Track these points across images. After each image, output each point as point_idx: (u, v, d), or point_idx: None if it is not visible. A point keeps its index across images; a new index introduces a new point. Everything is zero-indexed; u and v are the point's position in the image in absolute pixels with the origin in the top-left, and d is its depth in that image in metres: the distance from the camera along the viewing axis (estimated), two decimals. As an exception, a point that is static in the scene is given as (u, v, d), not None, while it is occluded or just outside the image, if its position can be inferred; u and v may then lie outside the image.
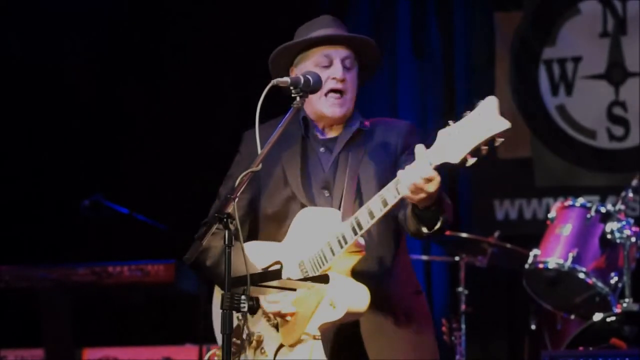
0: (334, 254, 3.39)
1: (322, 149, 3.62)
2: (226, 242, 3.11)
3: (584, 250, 5.66)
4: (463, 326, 6.08)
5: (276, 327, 3.50)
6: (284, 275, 3.42)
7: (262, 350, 3.50)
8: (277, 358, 3.47)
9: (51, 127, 7.27)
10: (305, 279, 3.36)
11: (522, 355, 6.53)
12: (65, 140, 7.27)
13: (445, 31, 7.28)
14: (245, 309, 3.11)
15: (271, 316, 3.49)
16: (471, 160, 3.08)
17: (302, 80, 3.41)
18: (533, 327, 6.22)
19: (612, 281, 5.65)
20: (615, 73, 7.12)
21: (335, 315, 3.36)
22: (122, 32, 7.31)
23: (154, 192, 7.08)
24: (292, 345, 3.44)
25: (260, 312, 3.52)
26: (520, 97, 7.26)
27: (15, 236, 7.02)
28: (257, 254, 3.50)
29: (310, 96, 3.46)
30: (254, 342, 3.51)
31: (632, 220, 5.69)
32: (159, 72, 7.30)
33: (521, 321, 6.44)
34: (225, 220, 3.11)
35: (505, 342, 7.00)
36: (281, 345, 3.47)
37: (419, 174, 3.15)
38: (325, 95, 3.53)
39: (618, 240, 5.60)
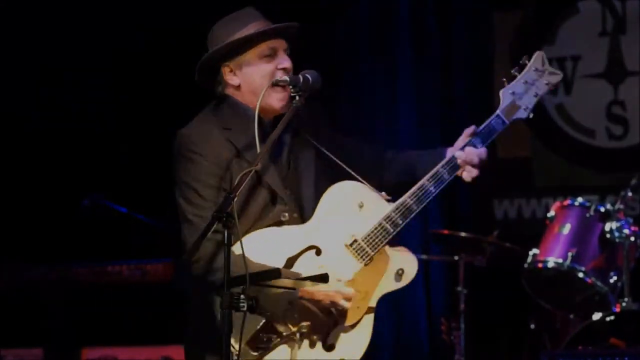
0: (397, 227, 3.42)
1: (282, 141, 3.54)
2: (226, 242, 3.11)
3: (583, 250, 5.67)
4: (462, 325, 6.08)
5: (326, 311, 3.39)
6: (328, 258, 3.38)
7: (313, 338, 3.38)
8: (330, 340, 3.38)
9: (51, 126, 7.27)
10: (304, 278, 3.33)
11: (521, 354, 6.53)
12: (64, 140, 7.27)
13: (445, 31, 7.28)
14: (245, 309, 3.11)
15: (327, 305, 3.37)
16: (531, 114, 3.53)
17: (302, 80, 3.40)
18: (532, 326, 6.22)
19: (611, 280, 5.66)
20: (615, 72, 7.13)
21: (401, 283, 3.47)
22: (121, 32, 7.31)
23: (153, 191, 7.07)
24: (353, 325, 3.41)
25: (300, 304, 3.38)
26: (519, 97, 7.25)
27: (15, 236, 7.01)
28: (277, 242, 3.39)
29: (251, 87, 3.44)
30: (303, 333, 3.37)
31: (631, 220, 5.70)
32: (160, 70, 7.30)
33: (520, 320, 6.44)
34: (224, 219, 3.11)
35: (504, 341, 7.00)
36: (332, 327, 3.39)
37: (479, 157, 3.48)
38: (272, 86, 3.43)
39: (617, 240, 5.61)
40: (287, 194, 3.47)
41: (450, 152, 3.53)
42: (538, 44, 7.28)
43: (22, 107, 7.31)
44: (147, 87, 7.31)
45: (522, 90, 3.52)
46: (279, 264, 3.35)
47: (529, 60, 3.58)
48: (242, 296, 3.10)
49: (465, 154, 3.47)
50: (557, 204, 5.96)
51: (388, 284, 3.45)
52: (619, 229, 5.60)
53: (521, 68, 3.57)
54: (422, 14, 7.29)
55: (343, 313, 3.39)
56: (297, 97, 3.38)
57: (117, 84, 7.37)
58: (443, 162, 3.48)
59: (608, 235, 5.65)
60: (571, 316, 5.92)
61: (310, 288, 3.33)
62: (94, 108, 7.35)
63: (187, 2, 7.34)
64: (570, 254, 5.64)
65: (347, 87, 7.06)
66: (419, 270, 3.49)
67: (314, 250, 3.40)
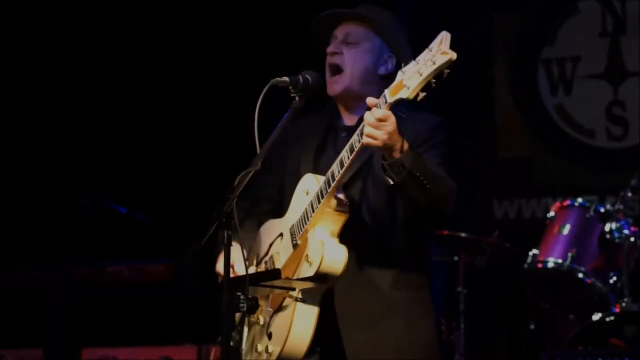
0: (313, 210, 3.34)
1: (343, 134, 3.57)
2: (225, 242, 3.12)
3: (582, 250, 5.67)
4: (462, 326, 6.09)
5: (268, 296, 3.46)
6: (282, 244, 3.44)
7: (257, 319, 3.47)
8: (270, 328, 3.42)
9: (50, 126, 7.28)
10: (303, 279, 3.35)
11: (520, 354, 6.54)
12: (64, 139, 7.27)
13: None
14: (245, 309, 3.12)
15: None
16: (422, 95, 3.11)
17: (301, 80, 3.41)
18: (532, 326, 6.22)
19: (611, 281, 5.66)
20: (615, 72, 7.12)
21: (309, 271, 3.30)
22: (121, 32, 7.31)
23: (153, 191, 7.08)
24: (277, 310, 3.40)
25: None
26: (519, 97, 7.26)
27: (14, 236, 7.01)
28: (268, 232, 3.56)
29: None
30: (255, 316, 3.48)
31: (630, 220, 5.70)
32: (160, 70, 7.30)
33: (520, 321, 6.44)
34: (223, 220, 3.12)
35: (504, 341, 7.00)
36: (274, 312, 3.43)
37: (372, 116, 3.15)
38: (326, 69, 3.53)
39: (617, 240, 5.61)
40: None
41: None
42: (538, 45, 7.29)
43: (22, 108, 7.32)
44: (146, 85, 7.31)
45: (412, 70, 3.10)
46: (265, 248, 3.54)
47: None
48: (241, 296, 3.11)
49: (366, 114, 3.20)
50: (557, 204, 5.96)
51: (301, 270, 3.34)
52: (619, 230, 5.60)
53: None
54: (422, 14, 7.29)
55: (274, 293, 3.41)
56: (296, 98, 3.40)
57: (116, 83, 7.38)
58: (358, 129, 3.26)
59: (608, 236, 5.64)
60: (571, 316, 5.92)
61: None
62: (92, 106, 7.35)
63: (188, 6, 7.35)
64: (570, 254, 5.65)
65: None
66: (327, 256, 3.29)
67: (280, 237, 3.50)
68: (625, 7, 7.12)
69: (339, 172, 3.27)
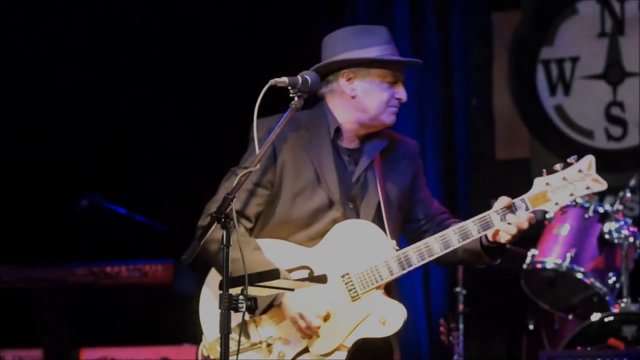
0: (392, 274, 3.45)
1: (346, 158, 3.59)
2: (224, 243, 3.11)
3: (582, 250, 5.67)
4: (461, 326, 6.08)
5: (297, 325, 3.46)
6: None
7: (281, 354, 3.46)
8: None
9: (49, 126, 7.27)
10: (303, 279, 3.34)
11: (520, 355, 6.53)
12: (63, 140, 7.26)
13: (443, 31, 7.28)
14: (244, 309, 3.11)
15: (300, 325, 3.44)
16: (562, 211, 3.44)
17: (301, 81, 3.40)
18: (531, 327, 6.22)
19: (610, 281, 5.66)
20: (613, 73, 7.12)
21: (384, 332, 3.44)
22: (122, 32, 7.31)
23: (152, 192, 7.07)
24: (323, 355, 3.43)
25: (275, 314, 3.48)
26: (518, 97, 7.26)
27: (13, 236, 7.01)
28: (281, 254, 3.49)
29: (365, 103, 3.55)
30: (265, 345, 3.46)
31: (630, 220, 5.70)
32: (159, 71, 7.30)
33: (519, 321, 6.44)
34: (223, 220, 3.11)
35: (503, 342, 6.99)
36: (304, 351, 3.44)
37: (524, 218, 3.48)
38: (386, 105, 3.58)
39: (616, 241, 5.61)
40: (348, 205, 3.55)
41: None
42: (537, 45, 7.28)
43: (20, 106, 7.31)
44: (146, 86, 7.31)
45: (558, 185, 3.46)
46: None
47: (576, 160, 3.47)
48: (240, 297, 3.10)
49: (518, 217, 3.49)
50: (556, 204, 5.95)
51: (368, 329, 3.44)
52: (618, 230, 5.60)
53: (565, 165, 3.48)
54: (421, 13, 7.29)
55: (314, 338, 3.43)
56: (295, 99, 3.39)
57: (116, 83, 7.37)
58: (475, 217, 3.50)
59: (607, 236, 5.65)
60: (570, 317, 5.92)
61: (291, 299, 3.40)
62: (91, 106, 7.35)
63: (186, 2, 7.35)
64: (569, 254, 5.64)
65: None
66: (406, 322, 3.47)
67: (307, 271, 3.48)
68: (624, 8, 7.12)
69: (440, 251, 3.44)
